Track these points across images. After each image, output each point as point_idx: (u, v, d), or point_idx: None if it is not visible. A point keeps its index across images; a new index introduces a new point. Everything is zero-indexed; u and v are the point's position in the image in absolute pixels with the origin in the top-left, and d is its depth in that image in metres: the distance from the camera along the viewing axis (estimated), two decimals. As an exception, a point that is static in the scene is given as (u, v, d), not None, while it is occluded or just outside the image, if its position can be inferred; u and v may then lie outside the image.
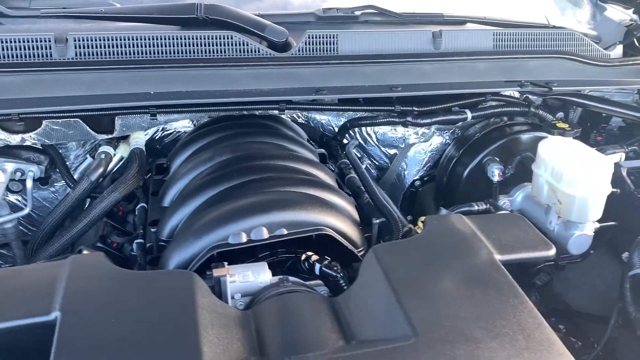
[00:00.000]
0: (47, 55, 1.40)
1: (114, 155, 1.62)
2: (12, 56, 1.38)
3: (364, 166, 1.78)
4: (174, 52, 1.45)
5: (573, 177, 1.44)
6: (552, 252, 1.12)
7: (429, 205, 1.95)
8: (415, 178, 2.00)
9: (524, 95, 1.76)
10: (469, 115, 1.72)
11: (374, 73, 1.53)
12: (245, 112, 1.63)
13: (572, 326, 1.79)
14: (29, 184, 1.60)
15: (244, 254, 1.22)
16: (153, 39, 1.44)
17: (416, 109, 1.64)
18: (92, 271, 1.00)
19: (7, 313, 0.90)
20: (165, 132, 1.92)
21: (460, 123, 1.85)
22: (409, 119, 1.66)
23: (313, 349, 0.89)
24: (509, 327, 0.89)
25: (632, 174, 1.64)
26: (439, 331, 0.87)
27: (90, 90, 1.38)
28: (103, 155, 1.57)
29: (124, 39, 1.43)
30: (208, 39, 1.47)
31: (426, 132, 1.95)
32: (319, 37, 1.53)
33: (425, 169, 2.00)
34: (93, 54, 1.42)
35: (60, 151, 1.70)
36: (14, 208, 1.67)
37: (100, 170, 1.53)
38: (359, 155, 1.91)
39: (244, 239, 1.17)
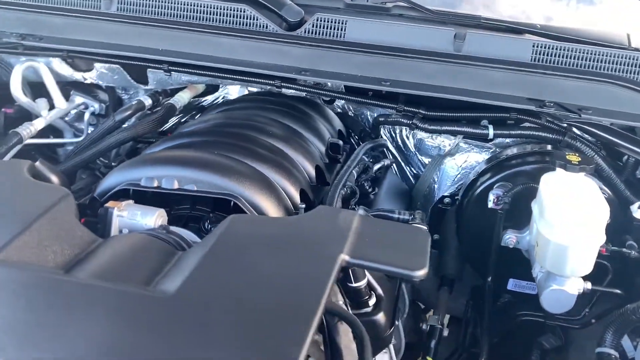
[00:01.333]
0: (96, 7, 1.66)
1: (151, 106, 1.83)
2: (67, 3, 1.66)
3: (378, 166, 1.71)
4: (191, 17, 1.59)
5: (551, 217, 1.20)
6: (419, 273, 0.97)
7: (452, 226, 1.78)
8: (445, 194, 1.83)
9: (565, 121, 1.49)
10: (491, 131, 1.53)
11: (370, 63, 1.46)
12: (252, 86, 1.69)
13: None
14: (87, 116, 1.90)
15: (164, 203, 1.30)
16: (179, 3, 1.60)
17: (422, 111, 1.52)
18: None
19: None
20: (226, 100, 2.09)
21: (494, 142, 1.65)
22: (416, 122, 1.55)
23: (110, 280, 0.94)
24: (262, 322, 0.82)
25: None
26: (190, 297, 0.85)
27: (122, 40, 1.61)
28: (136, 102, 1.79)
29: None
30: (222, 9, 1.57)
31: (461, 144, 1.77)
32: (328, 21, 1.52)
33: (456, 186, 1.81)
34: (130, 10, 1.64)
35: (125, 96, 1.98)
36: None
37: (128, 113, 1.74)
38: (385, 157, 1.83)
39: (155, 184, 1.26)
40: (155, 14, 1.63)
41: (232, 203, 1.26)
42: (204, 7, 1.58)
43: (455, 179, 1.81)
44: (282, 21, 1.58)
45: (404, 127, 1.85)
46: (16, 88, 1.75)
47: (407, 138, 1.90)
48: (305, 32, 1.53)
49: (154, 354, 0.76)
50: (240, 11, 1.56)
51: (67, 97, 1.86)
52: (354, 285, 1.16)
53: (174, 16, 1.60)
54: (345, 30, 1.52)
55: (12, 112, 1.82)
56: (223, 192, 1.25)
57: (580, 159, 1.29)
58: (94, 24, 1.62)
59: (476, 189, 1.59)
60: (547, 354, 1.59)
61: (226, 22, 1.58)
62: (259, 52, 1.51)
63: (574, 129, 1.47)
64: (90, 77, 1.81)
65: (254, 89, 2.01)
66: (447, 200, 1.83)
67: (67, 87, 1.88)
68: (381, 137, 1.88)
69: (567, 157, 1.30)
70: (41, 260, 0.96)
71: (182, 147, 1.41)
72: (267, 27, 1.55)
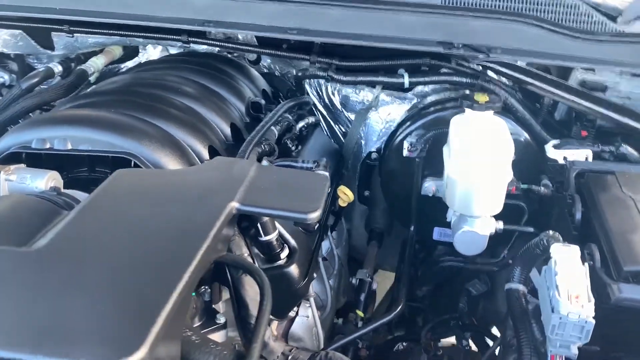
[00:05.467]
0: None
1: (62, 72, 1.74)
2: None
3: (301, 124, 1.67)
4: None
5: (456, 156, 1.18)
6: (313, 216, 0.94)
7: (378, 180, 1.76)
8: (371, 150, 1.80)
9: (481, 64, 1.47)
10: (407, 79, 1.51)
11: (276, 12, 1.41)
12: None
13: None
14: (-7, 87, 1.81)
15: (62, 166, 1.23)
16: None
17: (336, 62, 1.48)
18: None
19: None
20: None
21: (414, 91, 1.62)
22: (331, 73, 1.51)
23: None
24: (134, 273, 0.77)
25: (582, 174, 1.28)
26: (57, 250, 0.80)
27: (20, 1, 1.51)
28: (43, 68, 1.70)
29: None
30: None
31: (382, 97, 1.73)
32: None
33: (381, 140, 1.79)
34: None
35: (38, 65, 1.88)
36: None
37: (35, 80, 1.66)
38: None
39: (46, 145, 1.19)
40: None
41: (132, 163, 1.21)
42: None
43: (380, 134, 1.78)
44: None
45: (329, 84, 1.81)
46: None
47: (333, 95, 1.86)
48: (210, -17, 1.47)
49: (14, 308, 0.72)
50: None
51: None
52: (264, 238, 1.13)
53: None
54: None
55: None
56: (120, 151, 1.19)
57: (487, 99, 1.27)
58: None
59: (395, 139, 1.57)
60: (475, 300, 1.60)
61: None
62: (161, 5, 1.43)
63: (489, 72, 1.46)
64: (-5, 45, 1.72)
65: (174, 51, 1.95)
66: (374, 155, 1.80)
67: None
68: (307, 94, 1.84)
69: (475, 97, 1.28)
70: None
71: (81, 107, 1.34)
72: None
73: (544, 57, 1.36)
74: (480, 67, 1.47)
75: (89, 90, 1.49)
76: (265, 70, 1.99)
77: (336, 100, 1.86)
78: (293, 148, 1.63)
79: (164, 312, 0.69)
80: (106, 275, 0.77)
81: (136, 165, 1.20)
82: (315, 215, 0.94)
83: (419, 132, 1.48)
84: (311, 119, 1.75)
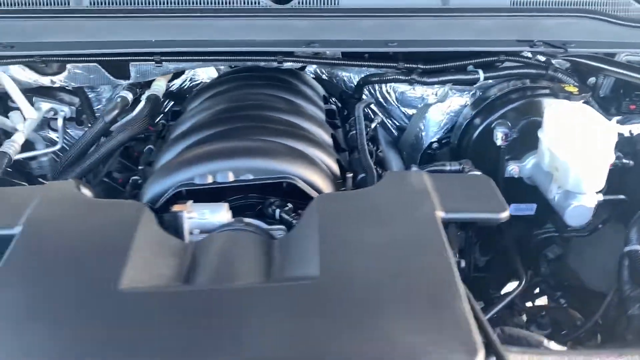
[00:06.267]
0: (64, 3, 1.53)
1: (133, 100, 1.75)
2: (34, 3, 1.52)
3: (374, 124, 1.78)
4: (178, 3, 1.53)
5: (569, 143, 1.37)
6: (504, 215, 1.09)
7: (444, 168, 1.92)
8: (432, 140, 1.96)
9: (545, 57, 1.66)
10: (482, 75, 1.66)
11: (371, 27, 1.52)
12: (249, 64, 1.68)
13: (579, 303, 1.72)
14: (60, 122, 1.78)
15: (216, 197, 1.29)
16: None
17: (421, 66, 1.61)
18: (60, 196, 1.13)
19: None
20: (194, 82, 2.03)
21: (478, 84, 1.79)
22: (415, 76, 1.64)
23: (232, 281, 0.95)
24: (416, 285, 0.89)
25: (653, 146, 1.52)
26: (340, 277, 0.90)
27: (101, 37, 1.51)
28: (119, 99, 1.70)
29: (133, -10, 1.52)
30: (211, -11, 1.53)
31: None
32: (319, -10, 1.54)
33: (443, 130, 1.95)
34: (104, 3, 1.53)
35: (91, 94, 1.86)
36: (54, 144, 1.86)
37: (115, 112, 1.66)
38: (372, 114, 1.91)
39: (209, 180, 1.24)
40: (132, 4, 1.54)
41: (284, 184, 1.29)
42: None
43: (442, 124, 1.95)
44: (271, -6, 1.57)
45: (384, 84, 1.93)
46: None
47: (388, 93, 1.99)
48: (299, 2, 1.54)
49: (340, 338, 0.81)
50: (229, -12, 1.53)
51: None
52: None
53: (153, 3, 1.53)
54: (338, -4, 1.55)
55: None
56: (280, 176, 1.27)
57: (577, 90, 1.46)
58: (69, 23, 1.51)
59: (475, 129, 1.73)
60: (550, 263, 1.81)
61: (213, 3, 1.54)
62: (259, 31, 1.50)
63: (553, 62, 1.65)
64: (59, 79, 1.69)
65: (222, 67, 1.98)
66: (435, 145, 1.96)
67: (28, 94, 1.73)
68: (365, 95, 1.96)
69: (566, 88, 1.47)
70: (155, 280, 0.95)
71: (207, 141, 1.37)
72: (258, 3, 1.54)
73: (605, 46, 1.56)
74: (544, 59, 1.66)
75: (189, 124, 1.50)
76: (313, 76, 2.07)
77: (392, 97, 1.99)
78: (375, 148, 1.75)
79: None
80: (395, 300, 0.87)
81: (288, 187, 1.28)
82: (506, 215, 1.09)
83: (502, 122, 1.64)
84: (379, 119, 1.86)
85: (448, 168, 1.37)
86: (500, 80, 1.76)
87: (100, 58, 1.55)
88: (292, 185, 1.29)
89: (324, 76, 2.06)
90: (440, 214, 1.06)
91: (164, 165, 1.33)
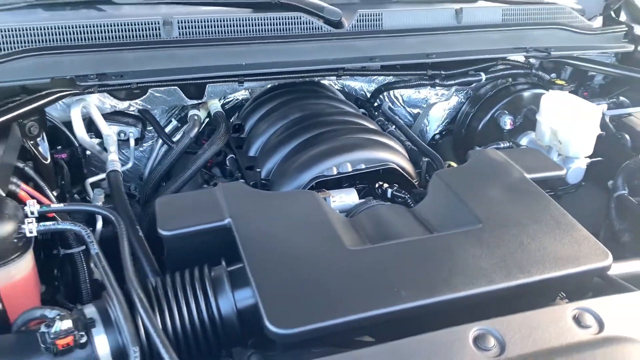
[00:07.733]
0: (156, 36, 1.73)
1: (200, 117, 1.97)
2: (130, 37, 1.71)
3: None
4: (256, 31, 1.80)
5: (571, 122, 1.86)
6: (563, 172, 1.53)
7: (448, 154, 2.36)
8: (435, 132, 2.40)
9: (527, 60, 2.16)
10: (484, 77, 2.13)
11: (413, 43, 1.91)
12: (307, 79, 1.99)
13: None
14: (132, 142, 1.95)
15: (336, 184, 1.60)
16: (239, 20, 1.79)
17: (444, 72, 2.04)
18: (240, 192, 1.37)
19: (193, 220, 1.26)
20: (227, 100, 2.28)
21: (473, 84, 2.25)
22: (437, 80, 2.06)
23: (406, 237, 1.28)
24: (543, 217, 1.30)
25: (613, 120, 2.07)
26: (496, 219, 1.27)
27: (191, 63, 1.73)
28: (196, 117, 1.92)
29: (217, 21, 1.77)
30: (283, 19, 1.82)
31: (445, 92, 2.34)
32: (368, 15, 1.90)
33: (443, 124, 2.40)
34: (192, 34, 1.76)
35: (147, 114, 2.04)
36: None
37: (196, 129, 1.89)
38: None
39: (335, 171, 1.56)
40: (213, 34, 1.78)
41: (380, 171, 1.64)
42: (261, 19, 1.80)
43: (442, 119, 2.39)
44: (324, 21, 1.89)
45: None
46: (80, 130, 1.75)
47: (396, 97, 2.40)
48: (352, 27, 1.88)
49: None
50: (298, 18, 1.83)
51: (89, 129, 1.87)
52: None
53: (240, 32, 1.79)
54: (382, 20, 1.91)
55: (65, 156, 1.79)
56: (385, 163, 1.61)
57: (565, 83, 1.97)
58: (166, 52, 1.71)
59: (480, 120, 2.18)
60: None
61: (287, 30, 1.83)
62: (328, 51, 1.82)
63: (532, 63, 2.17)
64: (137, 103, 1.87)
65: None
66: (437, 137, 2.40)
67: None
68: (378, 99, 2.34)
69: (555, 82, 1.98)
70: (357, 242, 1.25)
71: (312, 144, 1.67)
72: (321, 29, 1.86)
73: (574, 49, 2.10)
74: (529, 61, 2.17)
75: (289, 131, 1.79)
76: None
77: (399, 100, 2.41)
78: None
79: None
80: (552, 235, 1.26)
81: (394, 173, 1.63)
82: (563, 172, 1.53)
83: (504, 112, 2.11)
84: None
85: (502, 146, 1.81)
86: (491, 80, 2.24)
87: (199, 81, 1.77)
88: (385, 171, 1.64)
89: (336, 87, 2.41)
90: (527, 175, 1.47)
91: (290, 166, 1.60)
